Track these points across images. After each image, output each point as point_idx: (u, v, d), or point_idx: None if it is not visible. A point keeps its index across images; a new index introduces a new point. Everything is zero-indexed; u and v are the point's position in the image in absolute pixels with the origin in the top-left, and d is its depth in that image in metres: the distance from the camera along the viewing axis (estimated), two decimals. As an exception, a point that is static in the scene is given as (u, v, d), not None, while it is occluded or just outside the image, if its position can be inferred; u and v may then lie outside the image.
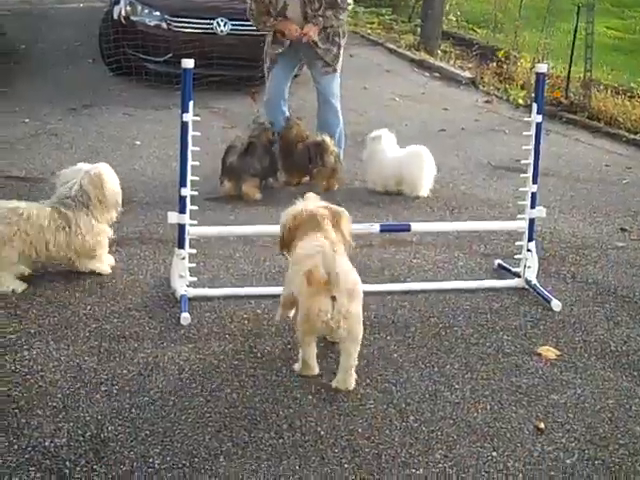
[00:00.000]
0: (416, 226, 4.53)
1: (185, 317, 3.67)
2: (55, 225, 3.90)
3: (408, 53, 11.39)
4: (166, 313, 3.75)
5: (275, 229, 4.69)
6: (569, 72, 9.18)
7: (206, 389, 3.15)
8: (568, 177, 6.54)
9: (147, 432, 2.86)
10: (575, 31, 9.17)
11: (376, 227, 4.22)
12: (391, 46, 11.80)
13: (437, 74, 10.42)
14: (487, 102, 9.27)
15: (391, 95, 9.07)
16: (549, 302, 4.02)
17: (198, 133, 3.97)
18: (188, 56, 3.85)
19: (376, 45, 11.93)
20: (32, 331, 3.51)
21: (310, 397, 3.13)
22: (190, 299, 3.83)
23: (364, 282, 4.17)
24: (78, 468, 2.65)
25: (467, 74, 10.33)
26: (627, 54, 12.44)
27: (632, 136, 7.93)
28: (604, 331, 3.83)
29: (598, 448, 2.91)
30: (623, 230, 5.28)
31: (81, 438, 2.81)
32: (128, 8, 8.71)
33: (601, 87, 9.21)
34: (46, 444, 2.76)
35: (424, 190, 5.71)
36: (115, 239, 4.29)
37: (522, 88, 9.63)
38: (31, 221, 3.85)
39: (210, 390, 3.15)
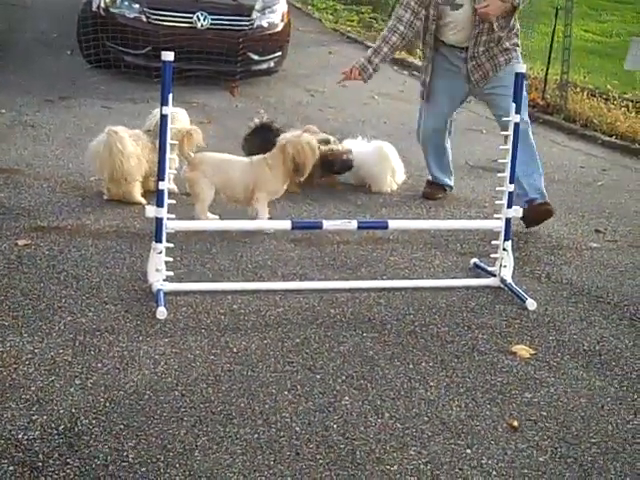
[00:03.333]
0: (393, 223, 4.55)
1: (161, 311, 3.65)
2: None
3: (387, 51, 11.40)
4: (142, 307, 3.74)
5: (252, 224, 4.72)
6: (546, 74, 9.25)
7: (181, 384, 3.14)
8: (544, 178, 6.58)
9: (122, 426, 2.85)
10: (553, 34, 9.24)
11: (354, 224, 4.23)
12: (371, 44, 11.77)
13: (416, 73, 10.43)
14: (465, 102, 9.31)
15: (370, 93, 9.08)
16: (524, 301, 4.06)
17: (176, 127, 3.96)
18: (167, 49, 3.82)
19: (356, 43, 11.95)
20: (6, 324, 3.47)
21: (286, 393, 3.13)
22: (166, 293, 3.81)
23: (341, 279, 4.23)
24: (51, 461, 2.63)
25: (446, 74, 10.37)
26: (604, 57, 12.57)
27: (607, 138, 8.01)
28: (578, 331, 3.87)
29: (570, 446, 2.95)
30: (597, 231, 5.33)
31: (55, 431, 2.79)
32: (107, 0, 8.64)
33: (577, 89, 9.29)
34: (19, 437, 2.73)
35: (388, 185, 5.79)
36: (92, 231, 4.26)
37: (500, 89, 9.68)
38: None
39: (185, 385, 3.14)
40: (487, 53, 5.17)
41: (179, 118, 5.13)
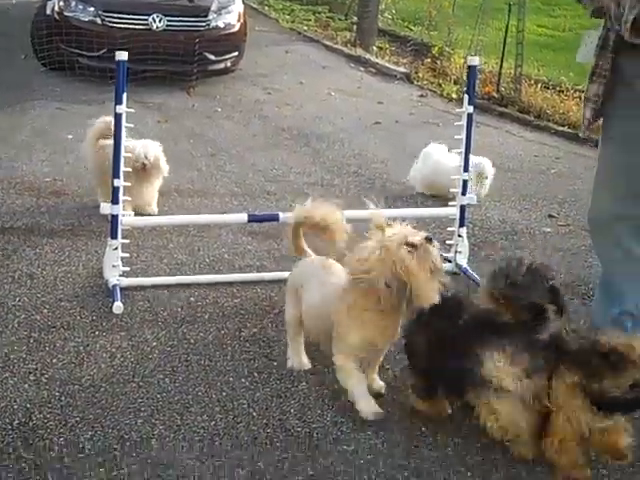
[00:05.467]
0: (349, 213, 4.56)
1: (117, 306, 3.65)
2: None
3: (344, 49, 11.45)
4: (98, 303, 3.73)
5: (208, 219, 4.71)
6: (500, 67, 9.37)
7: (138, 375, 3.14)
8: (499, 167, 6.63)
9: (77, 419, 2.84)
10: (506, 28, 9.35)
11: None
12: (328, 43, 11.84)
13: (372, 70, 10.50)
14: (421, 96, 9.39)
15: (327, 90, 9.10)
16: (479, 285, 4.11)
17: (132, 125, 3.95)
18: (123, 51, 3.79)
19: (313, 42, 11.97)
20: (-41, 323, 3.45)
21: (243, 380, 3.15)
22: (123, 289, 3.80)
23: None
24: (5, 455, 2.62)
25: (402, 69, 10.44)
26: (556, 51, 12.71)
27: (560, 128, 8.12)
28: (531, 312, 3.92)
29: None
30: (550, 217, 5.41)
31: (9, 427, 2.78)
32: (61, 3, 8.57)
33: (531, 82, 9.42)
34: (-27, 433, 2.72)
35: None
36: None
37: (455, 83, 9.78)
38: None
39: (142, 376, 3.14)
40: None
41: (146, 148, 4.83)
